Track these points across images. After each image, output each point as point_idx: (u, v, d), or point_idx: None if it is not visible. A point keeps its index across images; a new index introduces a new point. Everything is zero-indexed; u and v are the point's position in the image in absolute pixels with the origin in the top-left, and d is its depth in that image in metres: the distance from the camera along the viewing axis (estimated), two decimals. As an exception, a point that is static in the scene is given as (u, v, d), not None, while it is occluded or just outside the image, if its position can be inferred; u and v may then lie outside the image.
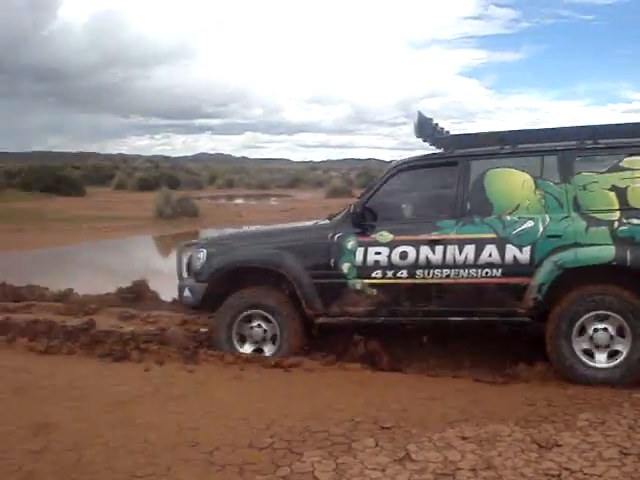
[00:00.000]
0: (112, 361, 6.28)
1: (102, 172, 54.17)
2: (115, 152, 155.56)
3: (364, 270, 6.25)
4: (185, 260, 6.87)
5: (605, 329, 5.64)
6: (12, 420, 4.68)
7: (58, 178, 39.03)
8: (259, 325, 6.43)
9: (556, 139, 6.27)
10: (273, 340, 6.41)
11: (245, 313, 6.44)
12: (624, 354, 5.59)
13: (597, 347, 5.67)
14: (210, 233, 15.94)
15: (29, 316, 8.09)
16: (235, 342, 6.44)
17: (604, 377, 5.52)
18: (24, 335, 7.09)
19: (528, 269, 5.83)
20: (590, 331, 5.66)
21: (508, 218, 6.01)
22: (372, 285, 6.23)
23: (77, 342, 6.77)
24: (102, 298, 9.39)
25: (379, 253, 6.24)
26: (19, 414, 4.82)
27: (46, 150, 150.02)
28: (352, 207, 6.42)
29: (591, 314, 5.69)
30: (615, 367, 5.59)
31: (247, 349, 6.41)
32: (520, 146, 6.27)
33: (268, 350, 6.36)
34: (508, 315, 6.04)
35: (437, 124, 6.77)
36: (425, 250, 6.10)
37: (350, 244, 6.32)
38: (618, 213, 5.75)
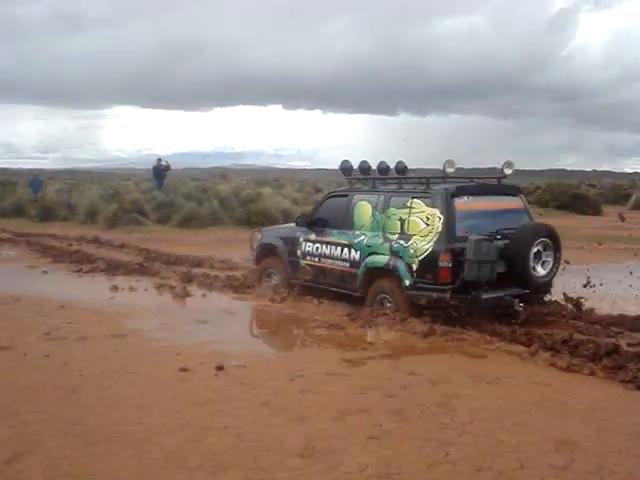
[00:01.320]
0: (635, 388, 6.45)
1: (618, 191, 51.59)
2: (630, 171, 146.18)
3: (304, 255, 10.90)
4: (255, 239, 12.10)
5: (389, 302, 9.42)
6: (535, 432, 5.30)
7: (574, 195, 38.54)
8: (274, 275, 11.58)
9: (389, 183, 10.29)
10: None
11: (267, 271, 11.77)
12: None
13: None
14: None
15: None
16: (264, 279, 11.65)
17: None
18: (547, 349, 7.64)
19: (357, 265, 9.85)
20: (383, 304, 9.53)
21: (356, 232, 10.08)
22: (307, 264, 10.84)
23: (599, 364, 7.06)
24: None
25: (309, 246, 10.82)
26: (541, 427, 5.41)
27: (560, 168, 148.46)
28: (303, 217, 11.35)
29: (380, 296, 9.60)
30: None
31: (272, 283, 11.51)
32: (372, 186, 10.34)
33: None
34: (352, 290, 9.98)
35: (352, 167, 10.88)
36: (324, 247, 10.53)
37: (301, 239, 10.99)
38: (397, 236, 9.41)
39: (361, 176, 10.74)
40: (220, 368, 6.83)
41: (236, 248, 18.43)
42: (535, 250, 9.07)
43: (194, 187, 32.02)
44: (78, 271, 14.00)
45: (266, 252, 11.67)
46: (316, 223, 10.82)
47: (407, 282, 9.03)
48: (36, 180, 33.97)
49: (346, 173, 10.91)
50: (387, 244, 9.40)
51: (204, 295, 11.26)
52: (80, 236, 20.51)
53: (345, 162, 10.87)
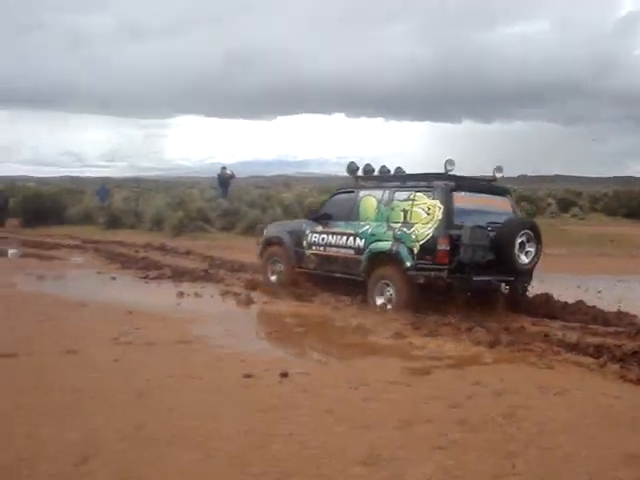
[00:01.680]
0: None
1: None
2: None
3: (310, 245, 12.21)
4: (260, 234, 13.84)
5: (389, 288, 10.64)
6: (603, 445, 5.17)
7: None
8: (278, 263, 12.99)
9: (393, 180, 11.61)
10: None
11: (272, 259, 13.15)
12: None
13: (381, 295, 10.80)
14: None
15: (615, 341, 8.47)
16: (269, 272, 13.14)
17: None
18: (616, 361, 7.48)
19: (362, 251, 11.04)
20: (383, 289, 10.77)
21: (361, 223, 11.36)
22: (312, 254, 12.17)
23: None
24: None
25: (316, 237, 12.14)
26: (610, 440, 5.28)
27: (627, 175, 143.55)
28: (312, 212, 13.04)
29: (381, 282, 10.77)
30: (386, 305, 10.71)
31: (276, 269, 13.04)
32: (378, 183, 11.76)
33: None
34: (356, 275, 11.19)
35: (358, 167, 12.31)
36: (330, 237, 11.82)
37: (307, 231, 12.34)
38: (400, 224, 10.67)
39: (366, 176, 12.35)
40: (284, 375, 6.86)
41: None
42: (519, 241, 10.42)
43: (258, 195, 32.31)
44: (145, 277, 14.26)
45: (271, 244, 13.30)
46: (323, 217, 12.39)
47: (408, 264, 10.38)
48: (103, 189, 34.75)
49: (352, 173, 12.46)
50: (390, 232, 10.86)
51: (267, 302, 11.33)
52: (147, 243, 20.90)
53: (352, 164, 12.48)
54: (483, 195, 11.07)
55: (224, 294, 12.07)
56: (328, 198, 13.08)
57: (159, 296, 12.17)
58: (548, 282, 12.47)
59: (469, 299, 10.47)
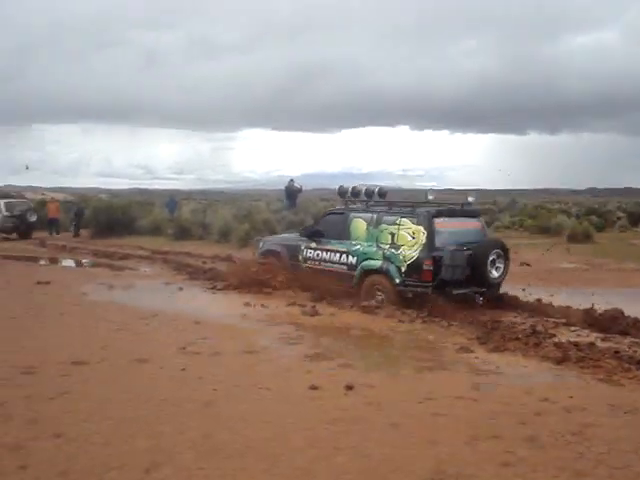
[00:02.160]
0: None
1: None
2: None
3: (306, 260, 13.47)
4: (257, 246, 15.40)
5: (380, 296, 11.97)
6: None
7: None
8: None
9: (382, 205, 13.06)
10: None
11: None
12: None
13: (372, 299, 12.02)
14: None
15: None
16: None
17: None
18: None
19: (354, 267, 12.44)
20: (374, 294, 12.08)
21: (353, 242, 12.72)
22: (307, 267, 13.39)
23: None
24: None
25: (310, 252, 13.42)
26: None
27: None
28: (306, 229, 14.20)
29: (374, 287, 12.12)
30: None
31: None
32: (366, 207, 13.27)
33: None
34: (347, 287, 12.45)
35: (348, 189, 13.78)
36: (324, 253, 13.14)
37: (303, 246, 13.58)
38: (388, 245, 12.06)
39: (356, 199, 13.79)
40: (350, 388, 6.87)
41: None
42: (491, 259, 11.89)
43: (323, 207, 32.38)
44: (212, 288, 14.44)
45: (268, 257, 14.48)
46: (316, 234, 13.64)
47: (397, 280, 11.88)
48: (172, 201, 35.39)
49: (342, 195, 14.08)
50: (380, 252, 12.31)
51: (333, 314, 11.36)
52: (214, 254, 21.13)
53: (341, 187, 14.12)
54: (459, 219, 12.60)
55: (290, 305, 12.14)
56: (321, 217, 14.73)
57: (226, 307, 12.30)
58: (616, 297, 12.15)
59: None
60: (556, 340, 9.18)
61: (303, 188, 31.29)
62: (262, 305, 12.10)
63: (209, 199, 63.27)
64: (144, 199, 54.57)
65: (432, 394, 6.83)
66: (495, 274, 11.94)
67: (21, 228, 30.43)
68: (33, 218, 30.79)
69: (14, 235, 30.30)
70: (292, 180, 29.79)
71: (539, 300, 12.10)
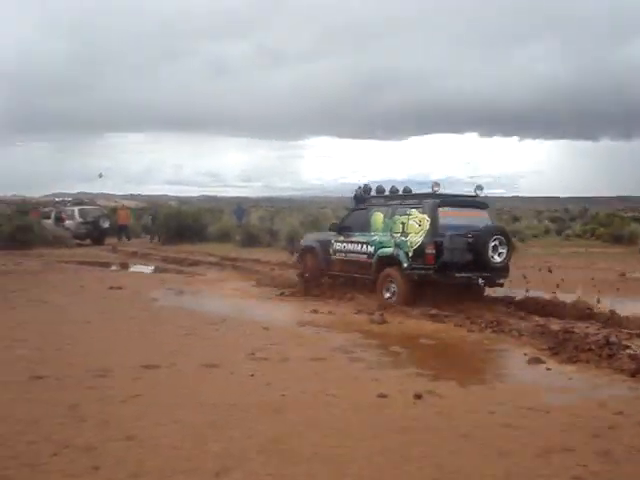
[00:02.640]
0: None
1: None
2: None
3: (335, 252, 14.97)
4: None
5: (392, 284, 13.19)
6: None
7: None
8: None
9: (397, 199, 14.36)
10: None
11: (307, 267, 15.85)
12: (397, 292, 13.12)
13: (387, 291, 13.30)
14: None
15: None
16: (304, 275, 15.54)
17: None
18: None
19: (372, 256, 13.69)
20: (388, 286, 13.29)
21: (371, 233, 14.09)
22: (337, 259, 14.90)
23: None
24: None
25: (339, 245, 14.89)
26: None
27: None
28: (335, 225, 15.76)
29: (388, 280, 13.33)
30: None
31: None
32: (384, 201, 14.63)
33: None
34: (368, 275, 13.79)
35: (361, 191, 15.78)
36: (349, 245, 14.58)
37: (333, 240, 15.10)
38: (399, 234, 13.28)
39: (377, 195, 15.44)
40: (418, 397, 6.80)
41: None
42: (493, 244, 12.81)
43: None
44: (280, 294, 14.54)
45: (306, 252, 16.44)
46: (344, 229, 15.24)
47: (405, 264, 13.07)
48: (240, 208, 35.79)
49: (365, 192, 15.71)
50: (392, 240, 13.57)
51: (401, 322, 11.29)
52: (282, 261, 21.29)
53: (364, 187, 15.87)
54: (465, 209, 13.68)
55: (357, 312, 12.13)
56: (347, 214, 16.26)
57: (294, 313, 12.37)
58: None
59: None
60: (630, 352, 8.91)
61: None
62: (329, 312, 12.14)
63: (276, 206, 63.85)
64: (213, 206, 55.32)
65: (503, 405, 6.71)
66: (497, 259, 12.88)
67: (94, 234, 31.26)
68: (106, 224, 31.59)
69: (87, 241, 31.08)
70: (360, 187, 29.70)
71: (612, 311, 11.78)
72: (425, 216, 12.97)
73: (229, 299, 14.34)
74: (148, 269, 21.61)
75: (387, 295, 13.25)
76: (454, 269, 12.56)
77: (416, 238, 12.93)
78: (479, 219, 13.39)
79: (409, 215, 13.35)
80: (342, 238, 15.03)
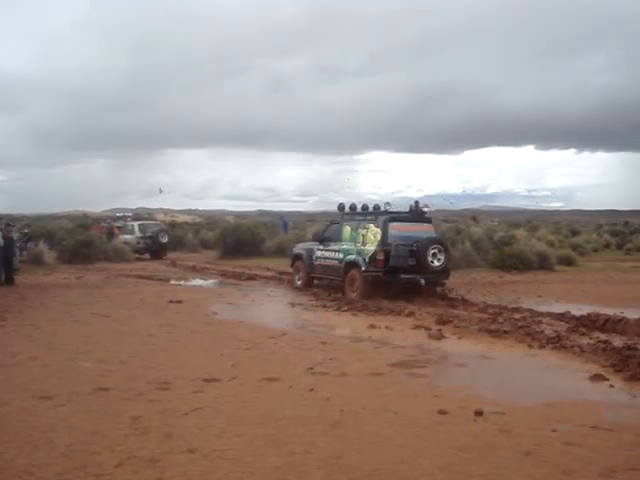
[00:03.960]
0: None
1: None
2: None
3: (317, 258, 18.29)
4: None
5: (354, 282, 16.43)
6: None
7: None
8: (300, 272, 19.19)
9: (361, 215, 17.58)
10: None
11: (297, 269, 19.38)
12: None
13: (352, 291, 16.53)
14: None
15: None
16: (296, 277, 19.42)
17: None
18: None
19: (341, 261, 16.98)
20: (353, 286, 16.52)
21: (342, 243, 17.33)
22: (318, 264, 18.24)
23: None
24: None
25: (319, 252, 18.19)
26: None
27: None
28: (316, 236, 19.53)
29: (352, 279, 16.55)
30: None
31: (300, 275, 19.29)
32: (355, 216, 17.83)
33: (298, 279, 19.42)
34: (339, 277, 17.18)
35: (344, 206, 18.45)
36: (327, 252, 17.85)
37: (315, 248, 18.49)
38: (360, 244, 16.63)
39: (349, 212, 18.24)
40: (479, 413, 6.74)
41: (490, 291, 18.16)
42: (432, 252, 15.95)
43: (447, 229, 32.03)
44: (337, 309, 14.57)
45: (296, 259, 19.62)
46: (324, 239, 18.49)
47: (363, 268, 16.33)
48: (283, 221, 36.05)
49: (340, 209, 18.61)
50: (355, 248, 16.91)
51: (460, 337, 11.20)
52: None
53: (340, 204, 18.67)
54: (413, 223, 16.83)
55: (415, 328, 12.07)
56: (326, 226, 19.71)
57: (351, 327, 12.36)
58: None
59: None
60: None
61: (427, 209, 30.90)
62: (387, 327, 12.11)
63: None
64: (269, 221, 55.66)
65: (565, 423, 6.61)
66: (436, 264, 15.96)
67: (153, 248, 31.72)
68: (165, 239, 32.02)
69: (147, 255, 31.59)
70: (417, 202, 29.50)
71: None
72: (378, 229, 16.34)
73: (287, 313, 14.42)
74: (207, 283, 21.84)
75: (352, 292, 16.49)
76: (400, 271, 15.81)
77: (371, 247, 16.31)
78: (424, 232, 16.55)
79: (367, 228, 16.77)
80: (322, 247, 18.39)
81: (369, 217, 16.99)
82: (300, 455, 5.60)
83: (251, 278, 22.13)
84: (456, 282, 19.36)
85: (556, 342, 10.56)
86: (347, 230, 17.48)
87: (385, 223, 16.22)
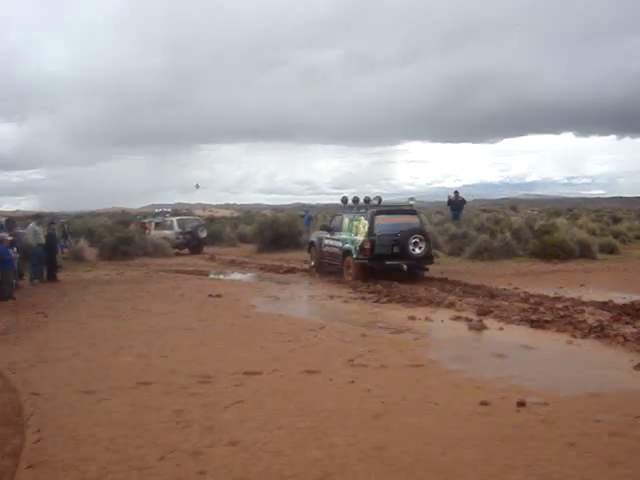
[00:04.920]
0: None
1: None
2: None
3: (325, 246, 20.59)
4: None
5: (350, 269, 18.88)
6: None
7: None
8: (313, 257, 21.76)
9: (356, 208, 19.92)
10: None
11: (312, 255, 21.89)
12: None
13: (348, 274, 18.90)
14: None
15: None
16: (312, 260, 21.86)
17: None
18: None
19: (341, 249, 19.37)
20: (348, 270, 18.87)
21: (342, 233, 19.61)
22: (326, 251, 20.50)
23: None
24: None
25: (327, 240, 20.44)
26: None
27: None
28: (325, 226, 21.76)
29: (348, 265, 18.92)
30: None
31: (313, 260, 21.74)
32: (350, 209, 20.19)
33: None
34: (339, 262, 19.41)
35: (347, 199, 21.03)
36: (332, 240, 20.09)
37: (324, 237, 20.71)
38: (354, 234, 18.91)
39: (350, 204, 20.52)
40: (521, 404, 6.67)
41: (531, 280, 17.95)
42: (413, 241, 17.90)
43: (486, 219, 31.70)
44: (376, 301, 14.53)
45: (311, 246, 22.14)
46: (330, 229, 20.65)
47: (355, 255, 18.51)
48: (307, 215, 36.03)
49: (343, 202, 21.06)
50: (350, 238, 18.99)
51: (501, 328, 11.09)
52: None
53: (343, 197, 21.13)
54: (399, 215, 19.00)
55: (455, 319, 11.98)
56: (332, 218, 22.23)
57: (391, 319, 12.31)
58: None
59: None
60: None
61: (466, 199, 30.68)
62: (427, 318, 12.04)
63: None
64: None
65: (609, 413, 6.51)
66: (417, 251, 17.98)
67: (192, 244, 31.92)
68: (203, 234, 32.22)
69: (186, 250, 31.82)
70: (457, 192, 29.28)
71: None
72: (367, 222, 18.39)
73: (326, 305, 14.42)
74: (245, 277, 21.95)
75: (348, 276, 18.73)
76: (384, 258, 17.94)
77: (360, 237, 18.44)
78: (409, 222, 18.53)
79: (359, 220, 18.88)
80: (329, 235, 20.59)
81: (361, 210, 19.34)
82: (341, 447, 5.60)
83: (289, 271, 22.20)
84: (492, 273, 19.14)
85: (599, 331, 10.40)
86: (346, 221, 19.75)
87: (372, 216, 18.37)
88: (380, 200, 20.10)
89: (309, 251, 22.26)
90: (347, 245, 18.98)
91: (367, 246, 17.88)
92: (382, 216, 18.38)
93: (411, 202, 20.27)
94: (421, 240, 17.91)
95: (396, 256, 17.81)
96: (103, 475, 5.11)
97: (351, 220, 19.29)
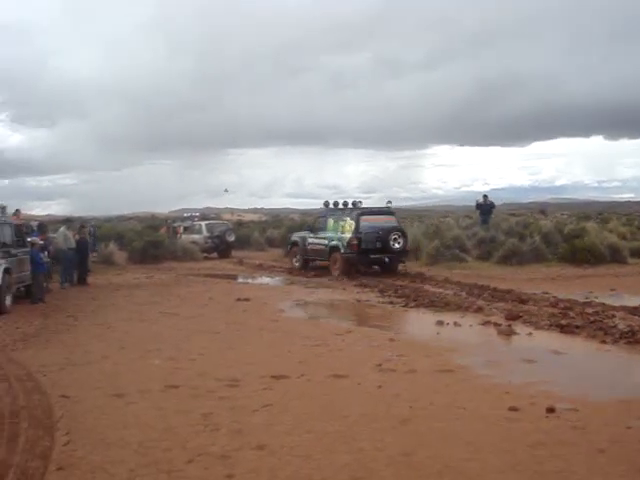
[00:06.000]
0: None
1: None
2: None
3: (308, 244, 23.68)
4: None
5: (337, 264, 21.95)
6: None
7: None
8: (297, 255, 24.71)
9: (341, 211, 23.04)
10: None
11: (295, 253, 24.92)
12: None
13: (335, 269, 22.18)
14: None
15: None
16: (293, 260, 24.98)
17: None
18: None
19: (327, 246, 22.72)
20: (335, 265, 22.22)
21: (327, 232, 22.79)
22: (310, 249, 23.63)
23: None
24: None
25: (311, 239, 23.54)
26: None
27: None
28: (310, 226, 25.30)
29: (335, 260, 22.22)
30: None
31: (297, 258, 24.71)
32: (336, 210, 23.30)
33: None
34: (324, 257, 22.80)
35: (328, 202, 24.15)
36: (317, 239, 23.20)
37: (307, 236, 23.92)
38: (340, 232, 21.98)
39: (332, 207, 23.37)
40: (551, 410, 6.61)
41: (561, 285, 17.79)
42: (393, 237, 20.81)
43: (515, 223, 31.46)
44: (405, 306, 14.49)
45: (293, 245, 24.82)
46: (314, 229, 23.57)
47: (342, 250, 21.19)
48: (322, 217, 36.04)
49: (326, 205, 23.76)
50: (337, 236, 21.72)
51: (530, 334, 11.00)
52: (404, 272, 21.26)
53: (326, 202, 23.85)
54: (379, 216, 21.96)
55: (484, 324, 11.91)
56: (316, 218, 25.63)
57: (418, 324, 12.29)
58: None
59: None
60: None
61: (495, 203, 30.41)
62: (455, 323, 11.98)
63: (397, 216, 63.42)
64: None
65: (641, 419, 6.43)
66: (397, 246, 20.89)
67: (221, 248, 32.05)
68: (232, 238, 32.34)
69: (214, 254, 31.96)
70: (486, 196, 29.06)
71: None
72: (352, 222, 21.37)
73: (354, 310, 14.42)
74: (273, 280, 22.03)
75: (335, 270, 21.57)
76: (369, 253, 21.04)
77: (347, 235, 21.28)
78: (389, 222, 21.72)
79: (345, 221, 21.82)
80: (312, 235, 23.45)
81: (347, 212, 22.27)
82: (369, 452, 5.59)
83: (317, 275, 22.20)
84: (521, 277, 18.98)
85: (630, 337, 10.28)
86: (331, 222, 22.70)
87: (357, 217, 21.41)
88: (360, 203, 23.06)
89: (290, 250, 25.42)
90: (334, 242, 21.94)
91: (354, 242, 20.90)
92: (366, 216, 21.54)
93: (388, 205, 23.38)
94: (399, 236, 21.09)
95: (379, 250, 21.00)
96: (131, 478, 5.15)
97: (337, 220, 22.33)
